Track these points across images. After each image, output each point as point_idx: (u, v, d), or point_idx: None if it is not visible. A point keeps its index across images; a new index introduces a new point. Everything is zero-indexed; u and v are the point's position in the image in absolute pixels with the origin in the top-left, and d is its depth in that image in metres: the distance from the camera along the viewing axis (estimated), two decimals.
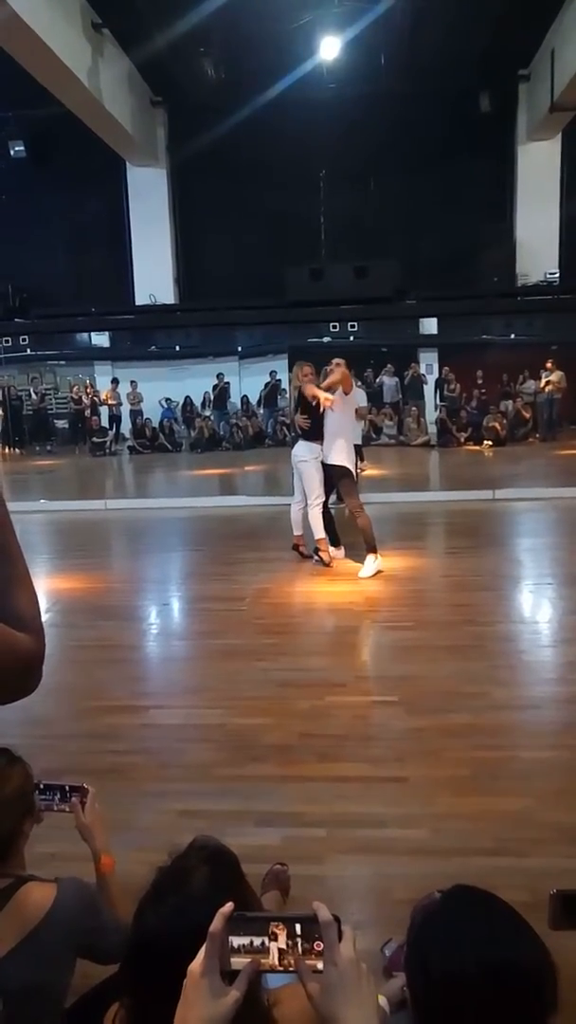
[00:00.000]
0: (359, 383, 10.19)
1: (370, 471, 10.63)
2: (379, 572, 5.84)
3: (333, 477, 6.00)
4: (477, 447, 14.80)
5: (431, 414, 16.22)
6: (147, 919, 1.01)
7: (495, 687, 3.77)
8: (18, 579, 0.97)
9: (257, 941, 0.80)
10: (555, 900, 1.13)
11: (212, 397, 17.36)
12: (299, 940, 0.81)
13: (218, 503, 9.81)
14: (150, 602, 5.73)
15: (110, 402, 17.26)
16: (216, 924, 0.80)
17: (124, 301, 16.93)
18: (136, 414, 16.99)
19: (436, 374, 16.88)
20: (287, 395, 12.47)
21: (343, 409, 5.88)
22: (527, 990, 0.94)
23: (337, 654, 4.48)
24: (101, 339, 18.27)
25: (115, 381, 17.44)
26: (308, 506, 6.21)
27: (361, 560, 5.95)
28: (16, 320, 16.76)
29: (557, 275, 15.81)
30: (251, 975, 0.81)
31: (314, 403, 5.86)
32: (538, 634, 4.69)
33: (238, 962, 0.80)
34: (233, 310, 15.97)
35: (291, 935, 0.81)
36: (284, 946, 0.80)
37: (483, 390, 16.06)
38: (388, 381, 16.65)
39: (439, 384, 16.49)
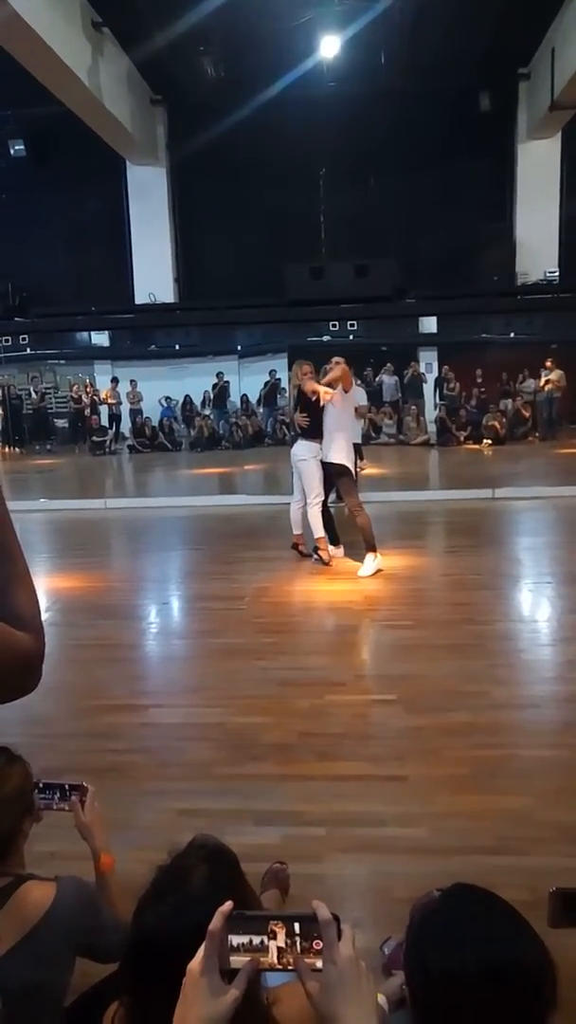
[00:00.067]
0: (359, 382, 10.18)
1: (370, 470, 10.63)
2: (378, 571, 5.85)
3: (332, 475, 6.00)
4: (477, 446, 14.80)
5: (431, 413, 16.22)
6: (146, 918, 1.01)
7: (495, 686, 3.77)
8: (18, 578, 0.97)
9: (256, 940, 0.80)
10: (555, 898, 1.13)
11: (212, 396, 17.35)
12: (298, 939, 0.81)
13: (218, 502, 9.81)
14: (150, 601, 5.73)
15: (110, 401, 17.25)
16: (215, 923, 0.80)
17: (124, 300, 16.94)
18: (136, 413, 16.99)
19: (436, 373, 16.88)
20: (287, 394, 12.46)
21: (343, 407, 5.88)
22: (526, 989, 0.94)
23: (336, 653, 4.48)
24: (101, 338, 18.26)
25: (115, 380, 17.44)
26: (307, 505, 6.21)
27: (360, 559, 5.95)
28: (16, 319, 16.77)
29: (557, 274, 15.82)
30: (250, 974, 0.81)
31: (314, 398, 5.85)
32: (537, 633, 4.69)
33: (237, 961, 0.80)
34: (233, 309, 15.97)
35: (290, 934, 0.81)
36: (283, 945, 0.80)
37: (483, 389, 16.05)
38: (388, 380, 16.65)
39: (439, 383, 16.49)
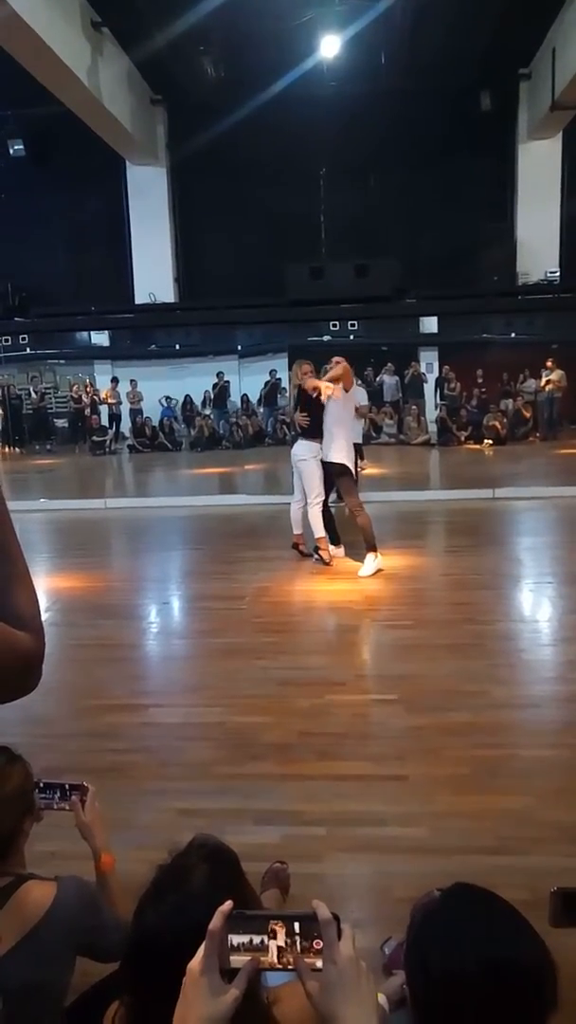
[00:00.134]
0: (359, 382, 10.18)
1: (370, 470, 10.63)
2: (379, 571, 5.84)
3: (332, 475, 6.00)
4: (477, 446, 14.80)
5: (431, 413, 16.22)
6: (147, 917, 1.01)
7: (495, 685, 3.77)
8: (18, 578, 0.97)
9: (256, 939, 0.80)
10: (555, 898, 1.13)
11: (212, 396, 17.35)
12: (298, 938, 0.81)
13: (218, 502, 9.81)
14: (150, 601, 5.73)
15: (110, 401, 17.25)
16: (215, 922, 0.80)
17: (124, 300, 16.94)
18: (136, 413, 16.99)
19: (436, 373, 16.89)
20: (287, 394, 12.47)
21: (343, 406, 5.88)
22: (527, 988, 0.94)
23: (337, 653, 4.48)
24: (101, 338, 18.26)
25: (115, 380, 17.44)
26: (308, 505, 6.21)
27: (361, 559, 5.95)
28: (16, 319, 16.78)
29: (557, 274, 15.82)
30: (250, 973, 0.80)
31: (315, 395, 5.85)
32: (538, 633, 4.69)
33: (237, 960, 0.80)
34: (233, 309, 15.98)
35: (290, 933, 0.81)
36: (283, 944, 0.80)
37: (483, 389, 16.05)
38: (388, 380, 16.65)
39: (439, 383, 16.49)
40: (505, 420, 15.37)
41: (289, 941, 0.80)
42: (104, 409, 17.28)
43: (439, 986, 0.96)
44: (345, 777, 2.95)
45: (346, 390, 5.86)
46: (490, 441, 14.85)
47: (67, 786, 1.64)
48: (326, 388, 5.71)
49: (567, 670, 4.00)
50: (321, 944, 0.81)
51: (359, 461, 7.53)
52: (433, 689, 3.73)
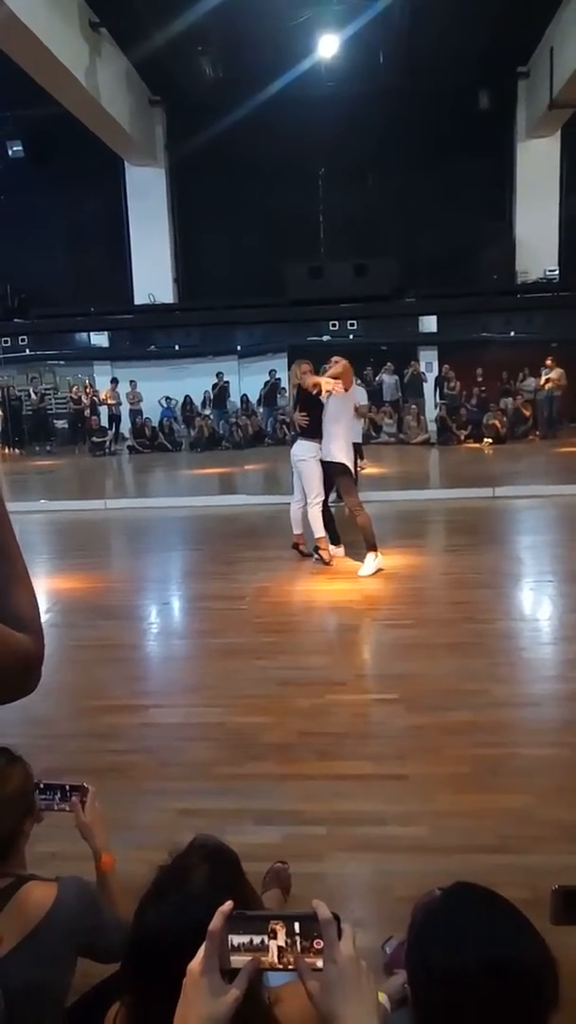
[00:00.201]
0: (359, 381, 10.18)
1: (370, 469, 10.63)
2: (379, 570, 5.84)
3: (332, 474, 6.00)
4: (477, 445, 14.80)
5: (431, 412, 16.22)
6: (147, 918, 1.01)
7: (495, 684, 3.77)
8: (17, 579, 0.97)
9: (257, 939, 0.80)
10: (556, 896, 1.13)
11: (212, 396, 17.35)
12: (298, 938, 0.81)
13: (218, 502, 9.81)
14: (150, 601, 5.73)
15: (109, 402, 17.25)
16: (216, 922, 0.80)
17: (123, 301, 16.91)
18: (136, 413, 16.98)
19: (436, 372, 16.88)
20: (287, 394, 12.46)
21: (342, 405, 5.88)
22: (528, 987, 0.94)
23: (337, 652, 4.48)
24: (100, 339, 18.25)
25: (114, 381, 17.43)
26: (308, 505, 6.21)
27: (361, 558, 5.95)
28: (15, 320, 16.74)
29: (556, 272, 15.79)
30: (251, 973, 0.80)
31: (315, 392, 5.85)
32: (538, 631, 4.69)
33: (238, 960, 0.80)
34: (232, 309, 15.95)
35: (290, 933, 0.81)
36: (284, 944, 0.80)
37: (483, 388, 16.05)
38: (388, 379, 16.65)
39: (439, 382, 16.48)
40: (505, 419, 15.37)
41: (289, 941, 0.80)
42: (104, 410, 17.28)
43: (440, 985, 0.96)
44: (345, 777, 2.95)
45: (346, 389, 5.86)
46: (490, 440, 14.84)
47: (67, 787, 1.64)
48: (326, 383, 5.71)
49: (567, 668, 4.00)
50: (321, 944, 0.81)
51: (359, 461, 7.52)
52: (433, 688, 3.73)
